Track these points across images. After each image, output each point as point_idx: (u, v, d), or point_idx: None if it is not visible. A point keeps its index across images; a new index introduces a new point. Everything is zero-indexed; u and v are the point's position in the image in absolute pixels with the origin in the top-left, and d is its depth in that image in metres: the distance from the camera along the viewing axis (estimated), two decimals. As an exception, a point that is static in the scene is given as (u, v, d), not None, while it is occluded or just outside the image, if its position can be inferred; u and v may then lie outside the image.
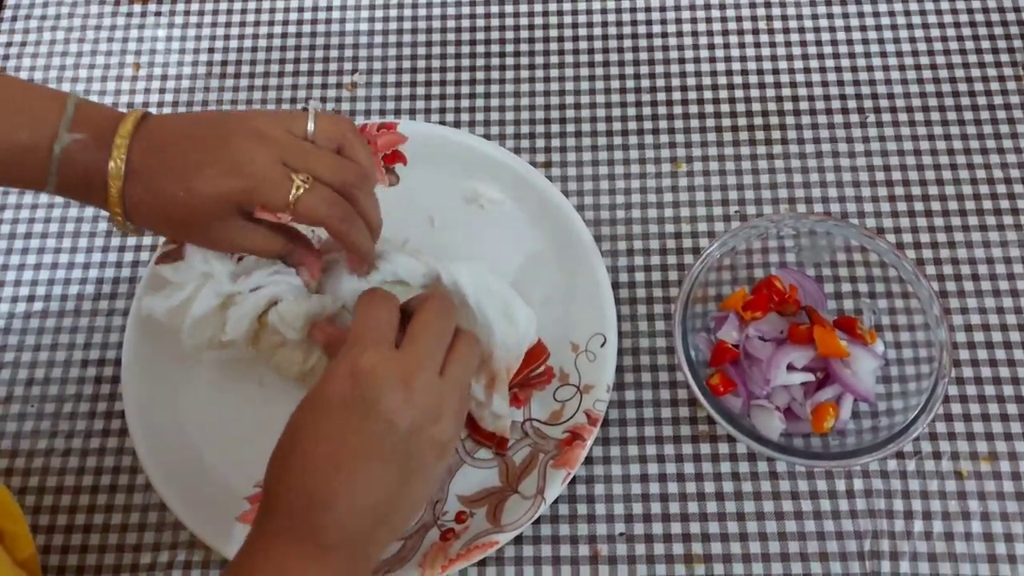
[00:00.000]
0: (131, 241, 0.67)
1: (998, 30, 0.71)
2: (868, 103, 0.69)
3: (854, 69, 0.70)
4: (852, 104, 0.69)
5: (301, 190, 0.49)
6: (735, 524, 0.57)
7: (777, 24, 0.72)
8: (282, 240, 0.54)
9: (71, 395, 0.63)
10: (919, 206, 0.65)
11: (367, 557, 0.47)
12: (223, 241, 0.52)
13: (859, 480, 0.58)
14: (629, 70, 0.71)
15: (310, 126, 0.51)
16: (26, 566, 0.52)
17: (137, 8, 0.76)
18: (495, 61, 0.72)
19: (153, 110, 0.72)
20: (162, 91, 0.73)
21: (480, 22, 0.74)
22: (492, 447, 0.59)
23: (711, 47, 0.72)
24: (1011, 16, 0.71)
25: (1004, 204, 0.65)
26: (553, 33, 0.73)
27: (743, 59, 0.71)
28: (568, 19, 0.73)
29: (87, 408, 0.62)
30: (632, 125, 0.69)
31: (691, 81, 0.71)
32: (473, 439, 0.59)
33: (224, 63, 0.74)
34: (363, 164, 0.53)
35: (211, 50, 0.74)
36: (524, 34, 0.73)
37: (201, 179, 0.48)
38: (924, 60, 0.70)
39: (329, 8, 0.75)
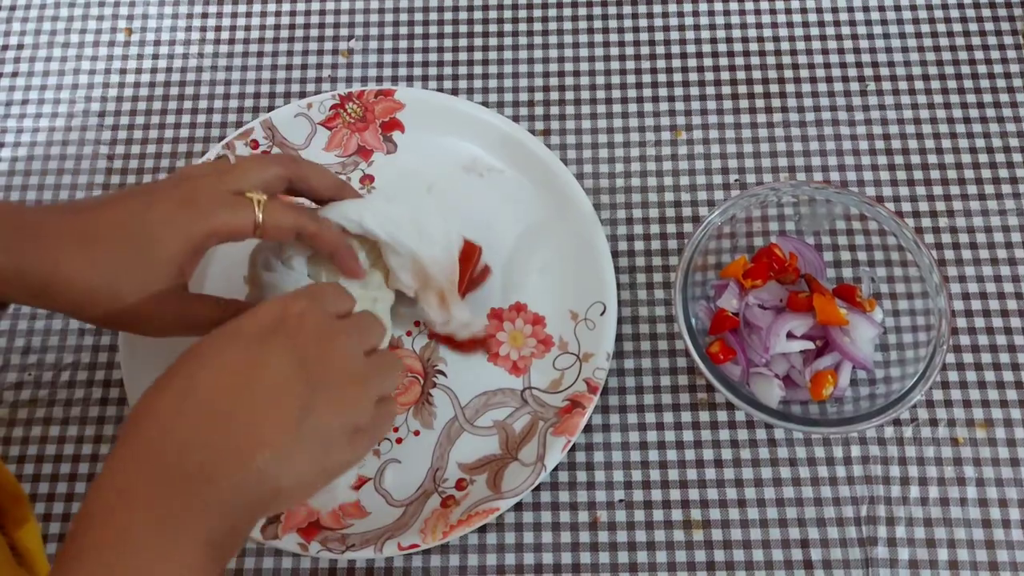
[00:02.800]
0: (126, 209, 0.67)
1: (999, -2, 0.71)
2: (868, 71, 0.69)
3: (855, 37, 0.70)
4: (852, 72, 0.69)
5: (261, 206, 0.46)
6: (733, 490, 0.58)
7: (778, -9, 0.72)
8: (218, 310, 0.49)
9: (68, 363, 0.62)
10: (918, 174, 0.65)
11: (234, 535, 0.38)
12: (164, 313, 0.46)
13: (856, 447, 0.59)
14: (629, 37, 0.71)
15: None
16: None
17: (128, -28, 0.75)
18: (493, 28, 0.71)
19: (145, 77, 0.71)
20: (155, 57, 0.72)
21: (478, -12, 0.73)
22: (482, 349, 0.61)
23: (711, 14, 0.71)
24: (1012, -16, 0.71)
25: (1003, 173, 0.65)
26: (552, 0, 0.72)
27: (743, 27, 0.71)
28: (567, -15, 0.73)
29: (84, 376, 0.62)
30: (632, 93, 0.69)
31: (691, 49, 0.70)
32: (461, 352, 0.60)
33: (218, 29, 0.73)
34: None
35: (204, 15, 0.73)
36: (523, 0, 0.72)
37: (152, 220, 0.44)
38: (925, 28, 0.70)
39: (324, -27, 0.74)
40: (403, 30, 0.72)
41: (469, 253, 0.60)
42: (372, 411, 0.44)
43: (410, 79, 0.70)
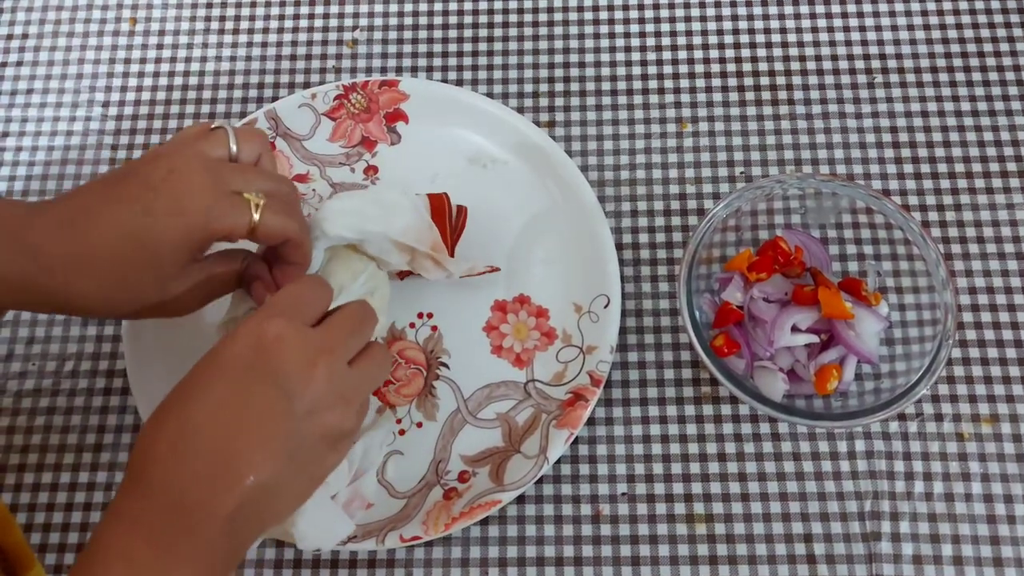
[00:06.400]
0: (130, 199, 0.67)
1: (1009, -11, 0.70)
2: (876, 63, 0.68)
3: (862, 28, 0.70)
4: (859, 64, 0.68)
5: (259, 209, 0.46)
6: (737, 485, 0.58)
7: (785, -18, 0.71)
8: (238, 259, 0.50)
9: (72, 353, 0.63)
10: (926, 167, 0.65)
11: (234, 552, 0.41)
12: (186, 296, 0.48)
13: (861, 441, 0.58)
14: (635, 28, 0.70)
15: (232, 147, 0.48)
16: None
17: (133, -39, 0.74)
18: (499, 18, 0.71)
19: (150, 67, 0.71)
20: (159, 47, 0.72)
21: (483, -22, 0.72)
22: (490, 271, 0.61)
23: (718, 5, 0.71)
24: (1022, -25, 0.70)
25: (1011, 166, 0.64)
26: (558, -10, 0.72)
27: (750, 18, 0.70)
28: (573, -25, 0.72)
29: (88, 366, 0.62)
30: (637, 84, 0.68)
31: (697, 40, 0.70)
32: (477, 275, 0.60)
33: (222, 19, 0.73)
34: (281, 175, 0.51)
35: (209, 5, 0.73)
36: (528, -10, 0.72)
37: (150, 231, 0.44)
38: (933, 20, 0.69)
39: (329, -37, 0.74)
40: (408, 20, 0.72)
41: (439, 206, 0.59)
42: (357, 417, 0.45)
43: (414, 70, 0.70)
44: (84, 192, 0.46)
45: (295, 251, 0.49)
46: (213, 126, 0.49)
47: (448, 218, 0.59)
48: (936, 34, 0.69)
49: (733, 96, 0.68)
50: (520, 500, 0.58)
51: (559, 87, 0.69)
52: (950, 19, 0.69)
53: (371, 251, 0.55)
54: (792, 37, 0.69)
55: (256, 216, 0.46)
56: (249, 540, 0.42)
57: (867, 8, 0.70)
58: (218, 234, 0.46)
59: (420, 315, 0.62)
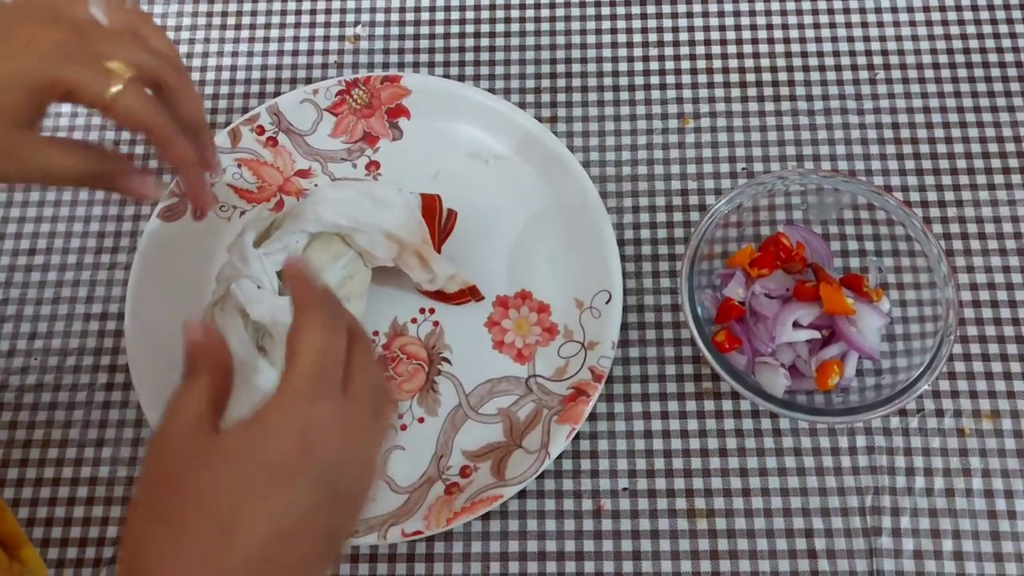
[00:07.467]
0: (132, 194, 0.67)
1: (1010, -15, 0.70)
2: (877, 59, 0.68)
3: (863, 24, 0.69)
4: (861, 60, 0.68)
5: (119, 86, 0.39)
6: (738, 480, 0.58)
7: (787, -22, 0.71)
8: (83, 158, 0.42)
9: (74, 348, 0.63)
10: (927, 163, 0.65)
11: None
12: (12, 160, 0.41)
13: (862, 437, 0.58)
14: (637, 24, 0.70)
15: (96, 12, 0.41)
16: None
17: (134, -43, 0.74)
18: (500, 14, 0.71)
19: (152, 62, 0.71)
20: (161, 42, 0.72)
21: (485, -27, 0.72)
22: (471, 299, 0.62)
23: (720, 1, 0.71)
24: (1024, -29, 0.70)
25: (1013, 162, 0.64)
26: (559, -15, 0.72)
27: (752, 14, 0.70)
28: (574, -29, 0.72)
29: (90, 361, 0.62)
30: (639, 81, 0.68)
31: (699, 36, 0.70)
32: (454, 304, 0.61)
33: (224, 14, 0.72)
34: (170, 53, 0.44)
35: (211, 1, 0.73)
36: (530, -14, 0.72)
37: None
38: (935, 16, 0.69)
39: (331, -42, 0.74)
40: (410, 16, 0.72)
41: (431, 205, 0.60)
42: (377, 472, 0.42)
43: (416, 65, 0.70)
44: None
45: (161, 146, 0.43)
46: None
47: (437, 219, 0.60)
48: (937, 30, 0.69)
49: (735, 92, 0.68)
50: (521, 495, 0.58)
51: (561, 83, 0.68)
52: (951, 15, 0.69)
53: (360, 241, 0.57)
54: (794, 33, 0.69)
55: (114, 88, 0.40)
56: None
57: (868, 4, 0.70)
58: (63, 84, 0.40)
59: (422, 310, 0.62)
